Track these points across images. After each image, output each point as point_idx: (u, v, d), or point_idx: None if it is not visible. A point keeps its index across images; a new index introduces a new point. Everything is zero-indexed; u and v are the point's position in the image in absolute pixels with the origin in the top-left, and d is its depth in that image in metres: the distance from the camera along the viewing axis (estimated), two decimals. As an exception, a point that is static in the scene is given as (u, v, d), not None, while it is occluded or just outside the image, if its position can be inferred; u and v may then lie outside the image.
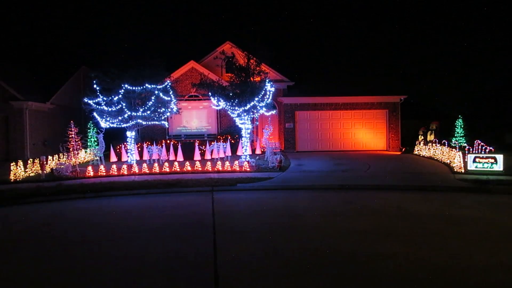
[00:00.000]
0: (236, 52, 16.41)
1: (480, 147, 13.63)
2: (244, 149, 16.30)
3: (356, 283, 4.71)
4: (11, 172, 12.81)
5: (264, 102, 15.93)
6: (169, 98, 16.36)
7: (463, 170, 13.21)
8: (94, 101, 15.41)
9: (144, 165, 14.37)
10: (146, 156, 17.07)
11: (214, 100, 16.15)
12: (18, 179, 12.77)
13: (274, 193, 10.82)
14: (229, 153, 17.48)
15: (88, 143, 18.76)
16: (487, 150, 13.42)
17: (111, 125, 15.91)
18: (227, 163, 14.43)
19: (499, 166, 12.89)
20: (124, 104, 15.41)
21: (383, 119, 20.78)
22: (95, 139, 18.06)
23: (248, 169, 14.02)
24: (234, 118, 16.65)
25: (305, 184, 11.77)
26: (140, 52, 16.51)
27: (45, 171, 13.63)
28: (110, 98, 15.43)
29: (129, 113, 15.57)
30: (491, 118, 25.03)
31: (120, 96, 15.36)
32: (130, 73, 15.57)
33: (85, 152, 17.56)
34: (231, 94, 15.85)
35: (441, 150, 15.99)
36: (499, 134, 21.99)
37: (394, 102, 20.64)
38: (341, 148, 20.71)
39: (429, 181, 11.80)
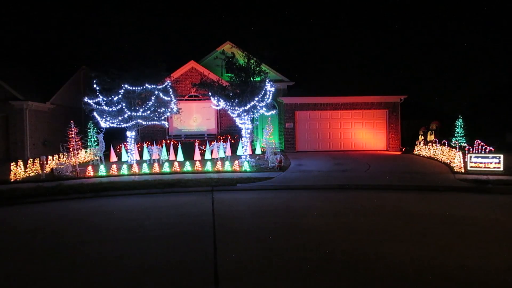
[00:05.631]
0: (236, 52, 16.42)
1: (480, 147, 13.64)
2: (244, 149, 16.30)
3: (356, 283, 4.71)
4: (11, 172, 12.80)
5: (264, 102, 15.93)
6: (169, 98, 16.37)
7: (463, 170, 13.21)
8: (94, 101, 15.41)
9: (144, 165, 14.37)
10: (146, 156, 17.07)
11: (214, 100, 16.16)
12: (18, 179, 12.76)
13: (274, 193, 10.82)
14: (229, 153, 17.48)
15: (88, 143, 18.76)
16: (487, 150, 13.42)
17: (111, 125, 15.91)
18: (227, 163, 14.43)
19: (499, 166, 12.89)
20: (124, 104, 15.42)
21: (383, 119, 20.78)
22: (95, 139, 18.06)
23: (248, 169, 14.02)
24: (234, 118, 16.65)
25: (305, 184, 11.77)
26: (140, 52, 16.48)
27: (45, 171, 13.62)
28: (110, 98, 15.44)
29: (129, 113, 15.57)
30: (491, 118, 25.00)
31: (120, 96, 15.37)
32: (130, 73, 15.58)
33: (85, 152, 17.55)
34: (231, 94, 15.86)
35: (441, 150, 15.99)
36: (499, 134, 21.97)
37: (394, 102, 20.64)
38: (341, 148, 20.71)
39: (429, 181, 11.80)
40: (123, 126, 16.07)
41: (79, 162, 15.83)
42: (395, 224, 7.30)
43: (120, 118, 15.66)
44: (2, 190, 10.85)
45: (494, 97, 27.28)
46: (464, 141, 17.61)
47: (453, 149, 14.73)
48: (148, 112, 15.90)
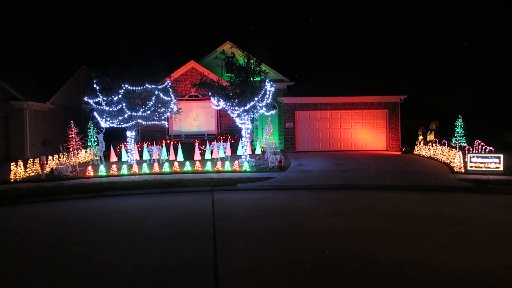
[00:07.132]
0: (236, 52, 16.40)
1: (480, 147, 13.63)
2: (244, 149, 16.30)
3: (356, 283, 4.71)
4: (11, 172, 12.80)
5: (264, 102, 15.93)
6: (169, 98, 16.37)
7: (463, 170, 13.21)
8: (94, 100, 15.41)
9: (144, 165, 14.37)
10: (146, 156, 17.06)
11: (214, 100, 16.16)
12: (18, 179, 12.76)
13: (274, 193, 10.82)
14: (229, 153, 17.48)
15: (88, 143, 18.75)
16: (487, 150, 13.42)
17: (111, 125, 15.91)
18: (227, 163, 14.43)
19: (499, 166, 12.88)
20: (124, 104, 15.42)
21: (383, 119, 20.78)
22: (95, 139, 18.04)
23: (248, 169, 14.02)
24: (234, 118, 16.65)
25: (305, 184, 11.77)
26: (140, 52, 16.46)
27: (45, 171, 13.62)
28: (110, 98, 15.44)
29: (129, 113, 15.57)
30: (491, 118, 25.03)
31: (120, 96, 15.36)
32: (130, 73, 15.58)
33: (85, 152, 17.55)
34: (231, 94, 15.85)
35: (441, 150, 15.99)
36: (499, 133, 21.99)
37: (394, 102, 20.64)
38: (341, 148, 20.71)
39: (429, 181, 11.79)
40: (123, 126, 16.07)
41: (79, 162, 15.83)
42: (395, 224, 7.30)
43: (120, 118, 15.65)
44: (2, 190, 10.85)
45: (494, 97, 27.29)
46: (464, 141, 17.61)
47: (453, 149, 14.73)
48: (148, 112, 15.90)
